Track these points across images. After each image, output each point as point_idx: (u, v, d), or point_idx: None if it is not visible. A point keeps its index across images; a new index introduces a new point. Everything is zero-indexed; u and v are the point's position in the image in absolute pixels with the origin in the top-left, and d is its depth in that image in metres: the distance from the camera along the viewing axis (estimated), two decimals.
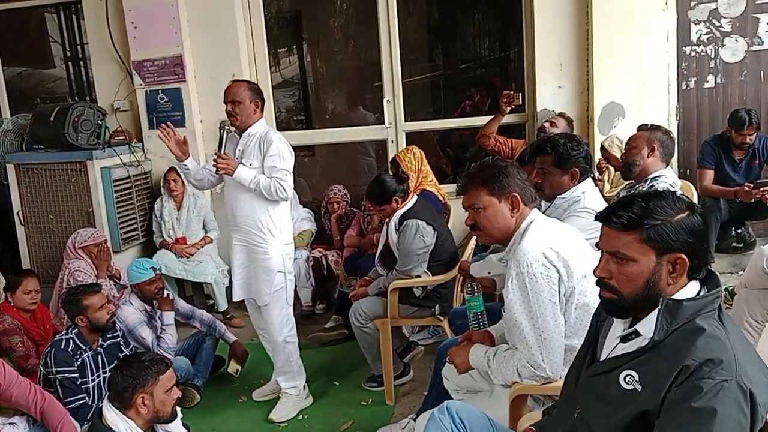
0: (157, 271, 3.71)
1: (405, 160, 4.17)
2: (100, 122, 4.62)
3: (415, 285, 3.37)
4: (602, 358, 1.58)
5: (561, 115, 4.36)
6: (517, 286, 2.02)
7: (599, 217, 1.52)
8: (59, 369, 3.00)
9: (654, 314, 1.43)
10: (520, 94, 4.38)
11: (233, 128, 3.29)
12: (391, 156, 4.76)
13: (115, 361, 3.23)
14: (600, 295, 1.56)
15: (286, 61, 6.48)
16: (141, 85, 4.91)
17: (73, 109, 4.47)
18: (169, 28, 4.79)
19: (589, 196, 2.69)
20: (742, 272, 4.22)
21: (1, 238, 5.19)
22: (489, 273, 2.88)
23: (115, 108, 5.05)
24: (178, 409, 2.57)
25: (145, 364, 2.44)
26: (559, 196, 2.75)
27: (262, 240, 3.25)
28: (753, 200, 4.10)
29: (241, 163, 3.19)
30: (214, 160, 3.17)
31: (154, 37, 4.82)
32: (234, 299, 3.49)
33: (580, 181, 2.72)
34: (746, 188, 4.09)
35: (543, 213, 2.69)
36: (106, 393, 2.79)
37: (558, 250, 2.03)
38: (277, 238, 3.28)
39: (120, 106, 5.05)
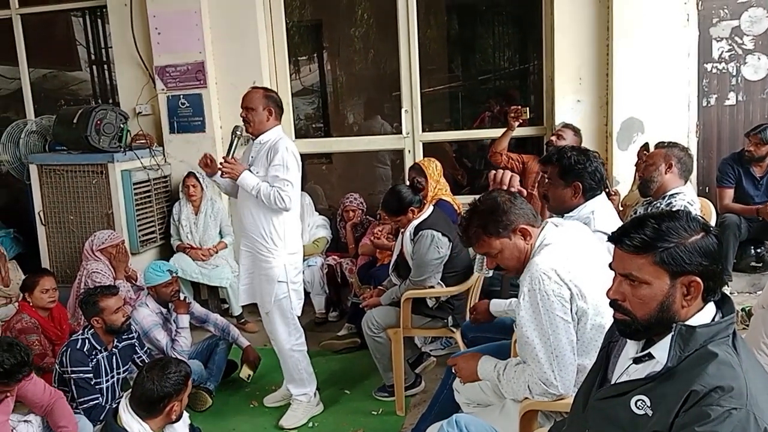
0: (174, 274, 3.75)
1: (429, 168, 4.19)
2: (122, 125, 4.68)
3: (429, 296, 3.37)
4: (614, 378, 1.58)
5: (567, 126, 4.31)
6: (529, 303, 2.01)
7: (612, 238, 1.51)
8: (74, 369, 3.04)
9: (668, 339, 1.42)
10: (528, 108, 4.30)
11: (250, 135, 3.32)
12: (407, 165, 4.78)
13: (130, 363, 3.30)
14: (614, 317, 1.54)
15: (306, 69, 6.53)
16: (163, 89, 4.97)
17: (96, 112, 4.53)
18: (192, 34, 4.86)
19: (599, 217, 2.54)
20: (760, 292, 4.16)
21: (24, 238, 5.29)
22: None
23: (137, 112, 5.11)
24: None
25: (179, 372, 2.55)
26: (567, 215, 2.63)
27: (264, 248, 3.24)
28: None
29: (248, 169, 3.23)
30: (221, 164, 3.23)
31: (177, 43, 4.89)
32: (239, 303, 3.51)
33: (587, 199, 2.60)
34: None
35: None
36: (120, 395, 2.85)
37: (571, 269, 2.01)
38: (281, 248, 3.25)
39: (142, 110, 5.12)
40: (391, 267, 3.69)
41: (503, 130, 4.43)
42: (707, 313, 1.46)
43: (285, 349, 3.39)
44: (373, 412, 3.48)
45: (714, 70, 4.61)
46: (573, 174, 2.58)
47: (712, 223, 3.57)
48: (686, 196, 3.11)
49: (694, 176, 4.19)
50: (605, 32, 4.44)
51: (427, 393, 3.55)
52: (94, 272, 4.07)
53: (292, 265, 3.30)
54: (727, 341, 1.40)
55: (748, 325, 3.27)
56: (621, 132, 4.46)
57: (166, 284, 3.69)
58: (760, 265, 4.45)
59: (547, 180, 2.71)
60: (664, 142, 3.33)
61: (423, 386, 3.65)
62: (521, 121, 4.29)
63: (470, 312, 2.94)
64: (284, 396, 3.58)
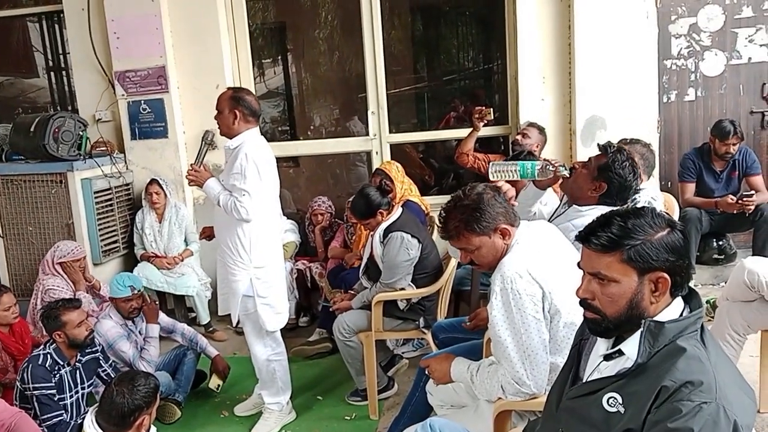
0: (137, 291, 3.60)
1: (392, 171, 4.21)
2: (81, 133, 4.56)
3: (400, 298, 3.35)
4: (585, 376, 1.58)
5: (532, 125, 4.38)
6: (501, 302, 2.01)
7: (579, 237, 1.52)
8: (36, 385, 2.93)
9: (637, 335, 1.43)
10: (492, 109, 4.30)
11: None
12: (374, 167, 4.76)
13: (94, 377, 3.22)
14: (584, 316, 1.55)
15: (271, 72, 6.48)
16: (123, 95, 4.86)
17: (53, 120, 4.41)
18: (152, 38, 4.76)
19: None
20: (723, 284, 4.27)
21: None
22: None
23: (97, 118, 4.99)
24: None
25: (148, 385, 2.52)
26: (575, 206, 2.58)
27: (230, 260, 3.15)
28: (735, 212, 4.16)
29: (213, 176, 3.17)
30: (187, 171, 3.18)
31: (137, 48, 4.78)
32: (219, 313, 3.46)
33: (599, 202, 2.52)
34: (729, 200, 4.15)
35: (555, 215, 2.61)
36: (85, 410, 2.77)
37: (543, 268, 2.02)
38: (246, 261, 3.13)
39: (102, 117, 5.00)
40: (361, 270, 3.67)
41: (469, 130, 4.45)
42: (675, 309, 1.47)
43: (261, 360, 3.32)
44: (346, 417, 3.45)
45: (673, 67, 4.70)
46: (607, 175, 2.48)
47: (676, 217, 3.63)
48: (649, 192, 3.15)
49: (656, 171, 4.26)
50: (567, 31, 4.49)
51: (400, 396, 3.53)
52: (50, 289, 3.94)
53: (260, 280, 3.17)
54: (696, 335, 1.42)
55: (713, 317, 3.34)
56: (584, 129, 4.51)
57: (125, 300, 3.55)
58: (722, 257, 4.55)
59: (588, 162, 2.60)
60: (626, 139, 3.38)
61: (396, 389, 3.63)
62: (486, 121, 4.31)
63: (470, 319, 2.91)
64: (255, 404, 3.52)
